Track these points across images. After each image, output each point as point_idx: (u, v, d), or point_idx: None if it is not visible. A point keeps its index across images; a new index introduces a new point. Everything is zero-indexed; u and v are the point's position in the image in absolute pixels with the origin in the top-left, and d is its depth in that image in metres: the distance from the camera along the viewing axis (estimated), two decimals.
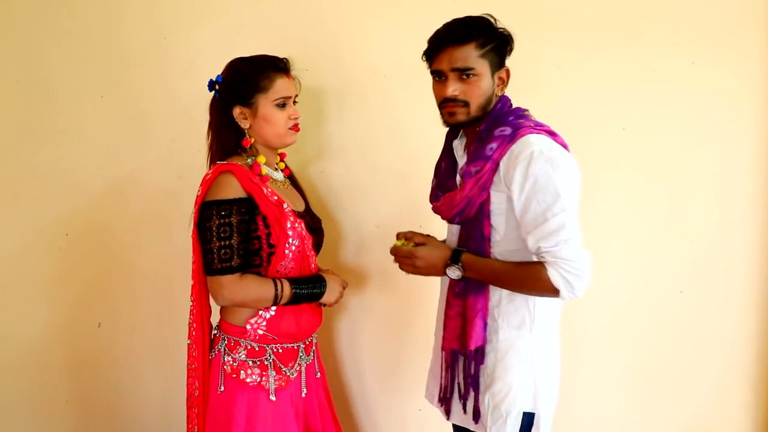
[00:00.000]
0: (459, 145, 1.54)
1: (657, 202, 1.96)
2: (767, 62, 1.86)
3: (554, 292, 1.31)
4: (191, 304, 1.57)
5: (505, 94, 1.48)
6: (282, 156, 1.70)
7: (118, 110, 2.08)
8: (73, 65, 2.08)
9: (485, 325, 1.42)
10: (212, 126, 1.59)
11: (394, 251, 1.50)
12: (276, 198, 1.49)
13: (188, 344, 1.57)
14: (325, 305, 1.62)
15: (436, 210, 1.54)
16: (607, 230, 1.97)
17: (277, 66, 1.55)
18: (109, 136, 2.09)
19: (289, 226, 1.48)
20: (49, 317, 2.17)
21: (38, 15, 2.08)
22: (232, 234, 1.43)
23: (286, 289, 1.48)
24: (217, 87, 1.56)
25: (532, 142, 1.32)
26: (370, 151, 2.03)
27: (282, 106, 1.54)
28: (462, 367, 1.46)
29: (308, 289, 1.52)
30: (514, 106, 1.47)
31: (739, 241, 1.96)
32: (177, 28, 2.04)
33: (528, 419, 1.41)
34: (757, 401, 2.01)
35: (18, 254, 2.14)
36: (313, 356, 1.67)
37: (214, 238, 1.43)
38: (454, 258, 1.42)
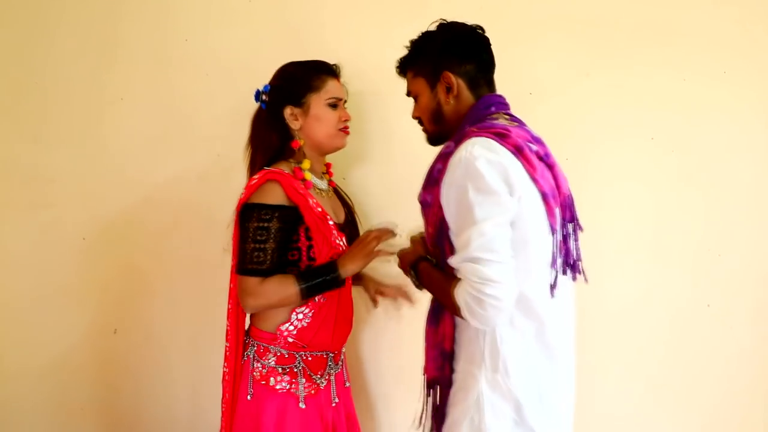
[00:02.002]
0: None
1: (685, 213, 1.93)
2: None
3: (455, 308, 1.17)
4: (228, 307, 1.56)
5: (493, 94, 1.37)
6: (328, 166, 1.68)
7: (137, 113, 2.06)
8: (92, 67, 2.06)
9: (439, 355, 1.32)
10: (253, 138, 1.57)
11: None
12: (320, 210, 1.48)
13: (226, 347, 1.57)
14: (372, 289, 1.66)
15: None
16: (634, 241, 1.94)
17: (329, 68, 1.58)
18: (129, 139, 2.07)
19: (332, 240, 1.47)
20: (65, 323, 2.14)
21: (56, 16, 2.06)
22: (268, 239, 1.42)
23: (302, 284, 1.44)
24: (263, 97, 1.56)
25: (461, 150, 1.20)
26: (393, 156, 2.00)
27: (334, 106, 1.55)
28: (431, 397, 1.39)
29: (320, 275, 1.45)
30: (491, 108, 1.33)
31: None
32: (199, 30, 2.02)
33: None
34: None
35: (34, 258, 2.12)
36: (342, 365, 1.64)
37: (250, 239, 1.43)
38: (414, 265, 1.37)
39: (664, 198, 1.93)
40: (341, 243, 1.50)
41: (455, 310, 1.18)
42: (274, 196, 1.44)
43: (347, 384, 1.67)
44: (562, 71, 1.88)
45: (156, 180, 2.07)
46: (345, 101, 1.60)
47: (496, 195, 1.16)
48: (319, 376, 1.53)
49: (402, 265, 1.46)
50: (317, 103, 1.53)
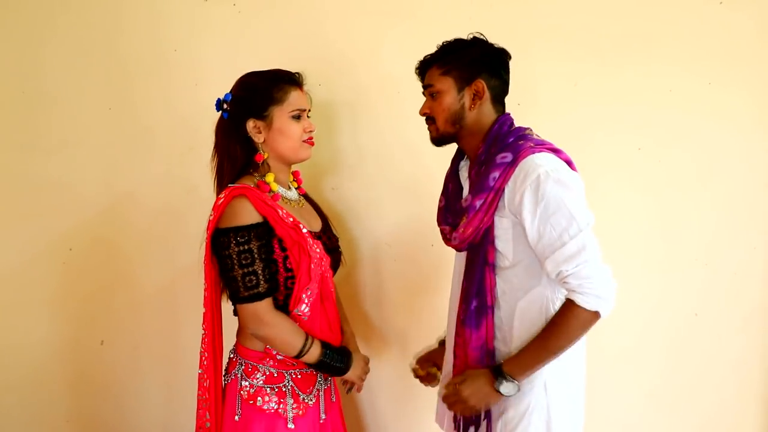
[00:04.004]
0: (464, 167, 1.53)
1: (672, 224, 1.95)
2: None
3: (594, 315, 1.29)
4: (203, 332, 1.51)
5: (509, 112, 1.45)
6: (295, 174, 1.66)
7: (125, 123, 2.04)
8: (80, 77, 2.04)
9: (485, 354, 1.39)
10: (218, 147, 1.53)
11: (444, 397, 1.44)
12: (291, 219, 1.44)
13: (199, 374, 1.51)
14: (348, 384, 1.59)
15: (445, 238, 1.51)
16: (622, 251, 1.95)
17: (291, 78, 1.52)
18: (116, 149, 2.05)
19: (308, 248, 1.43)
20: (51, 333, 2.11)
21: (45, 25, 2.04)
22: (254, 260, 1.38)
23: (315, 350, 1.44)
24: (225, 106, 1.51)
25: (537, 164, 1.30)
26: (382, 166, 2.00)
27: (297, 118, 1.50)
28: None
29: (336, 360, 1.48)
30: (515, 126, 1.44)
31: (754, 265, 1.94)
32: (188, 40, 2.01)
33: None
34: None
35: (20, 268, 2.09)
36: (330, 380, 1.62)
37: (236, 266, 1.38)
38: (498, 374, 1.34)
39: (651, 208, 1.95)
40: (317, 251, 1.47)
41: (586, 320, 1.29)
42: (245, 214, 1.39)
43: (333, 399, 1.64)
44: (551, 81, 1.90)
45: (144, 190, 2.06)
46: (308, 111, 1.56)
47: (584, 203, 1.32)
48: (307, 394, 1.50)
49: (476, 402, 1.38)
50: (280, 115, 1.48)
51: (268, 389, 1.47)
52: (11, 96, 2.06)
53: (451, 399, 1.41)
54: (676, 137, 1.92)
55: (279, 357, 1.47)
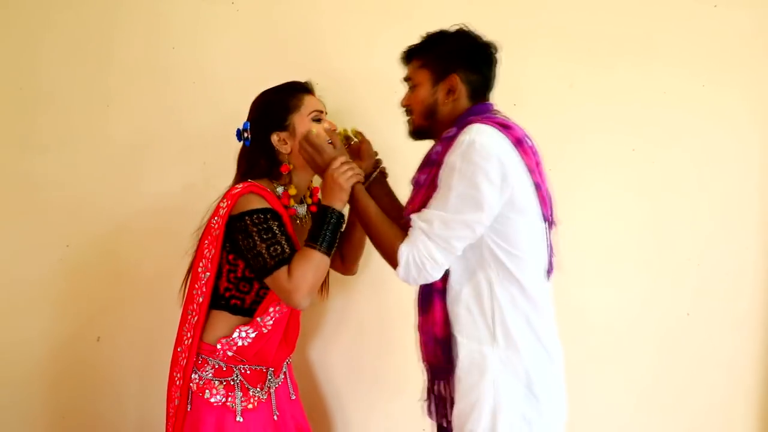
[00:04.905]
0: None
1: (665, 224, 1.96)
2: None
3: (394, 264, 1.30)
4: (194, 314, 1.53)
5: (489, 102, 1.43)
6: (315, 190, 1.66)
7: (124, 120, 2.05)
8: (78, 74, 2.05)
9: (438, 341, 1.37)
10: (242, 168, 1.56)
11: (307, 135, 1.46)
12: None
13: (177, 351, 1.54)
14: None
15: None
16: (615, 251, 1.97)
17: (302, 86, 1.57)
18: (114, 146, 2.06)
19: None
20: (47, 330, 2.12)
21: (43, 23, 2.05)
22: (275, 234, 1.39)
23: (319, 246, 1.39)
24: (246, 135, 1.54)
25: (466, 132, 1.28)
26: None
27: (318, 120, 1.53)
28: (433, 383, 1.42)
29: (325, 228, 1.40)
30: (491, 107, 1.42)
31: (746, 265, 1.96)
32: (186, 38, 2.02)
33: None
34: (763, 427, 2.01)
35: (17, 265, 2.10)
36: (284, 378, 1.63)
37: (258, 242, 1.38)
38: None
39: (645, 208, 1.96)
40: None
41: (389, 257, 1.31)
42: (258, 202, 1.43)
43: (293, 397, 1.65)
44: (546, 82, 1.91)
45: (141, 187, 2.07)
46: (326, 113, 1.59)
47: (480, 193, 1.24)
48: (257, 389, 1.51)
49: (319, 161, 1.42)
50: (301, 121, 1.51)
51: (216, 382, 1.48)
52: (8, 93, 2.07)
53: (308, 147, 1.44)
54: (670, 138, 1.93)
55: (229, 353, 1.48)
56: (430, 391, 1.45)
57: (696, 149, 1.93)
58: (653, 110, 1.92)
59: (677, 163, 1.94)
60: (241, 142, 1.57)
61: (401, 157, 1.98)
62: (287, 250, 1.38)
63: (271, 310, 1.47)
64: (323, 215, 1.40)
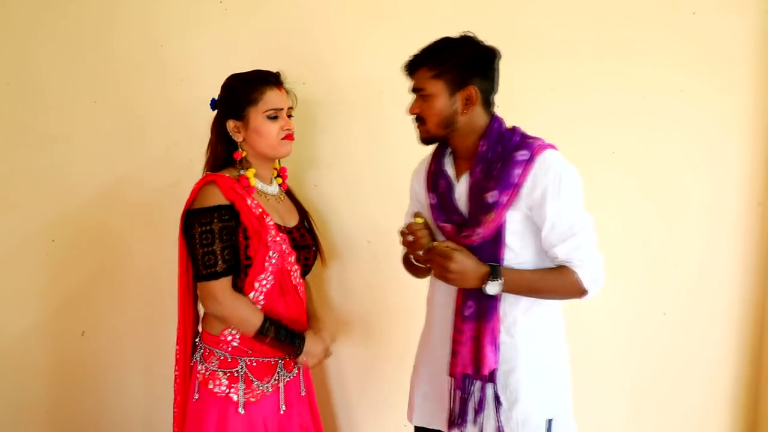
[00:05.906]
0: (448, 162, 1.53)
1: (643, 225, 2.00)
2: (755, 91, 1.93)
3: (581, 292, 1.40)
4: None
5: (497, 114, 1.48)
6: (282, 170, 1.71)
7: (111, 116, 2.06)
8: (66, 70, 2.06)
9: (497, 347, 1.43)
10: (210, 142, 1.62)
11: (433, 248, 1.42)
12: (260, 210, 1.50)
13: (176, 350, 1.60)
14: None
15: (451, 234, 1.46)
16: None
17: (267, 79, 1.57)
18: (101, 142, 2.07)
19: (269, 240, 1.49)
20: (32, 324, 2.12)
21: (31, 18, 2.05)
22: (214, 240, 1.45)
23: (272, 331, 1.50)
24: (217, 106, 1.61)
25: (554, 161, 1.39)
26: (365, 165, 2.04)
27: (273, 117, 1.55)
28: (477, 390, 1.44)
29: (288, 339, 1.52)
30: (509, 126, 1.48)
31: (722, 265, 2.00)
32: (174, 36, 2.04)
33: (550, 423, 1.46)
34: (736, 423, 2.06)
35: (2, 259, 2.10)
36: (298, 373, 1.64)
37: (197, 246, 1.46)
38: (494, 272, 1.38)
39: (623, 210, 2.00)
40: (284, 246, 1.52)
41: (574, 291, 1.41)
42: (211, 197, 1.47)
43: (303, 393, 1.66)
44: (528, 86, 1.94)
45: (126, 183, 2.08)
46: (290, 109, 1.61)
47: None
48: (263, 382, 1.53)
49: (457, 270, 1.38)
50: (255, 115, 1.54)
51: (220, 373, 1.52)
52: None
53: (437, 259, 1.39)
54: (650, 142, 1.97)
55: (234, 343, 1.52)
56: (461, 401, 1.46)
57: (674, 152, 1.97)
58: (633, 114, 1.96)
59: (656, 165, 1.98)
60: (214, 111, 1.63)
61: (388, 156, 2.03)
62: (219, 263, 1.45)
63: (256, 284, 1.51)
64: (296, 341, 1.53)
